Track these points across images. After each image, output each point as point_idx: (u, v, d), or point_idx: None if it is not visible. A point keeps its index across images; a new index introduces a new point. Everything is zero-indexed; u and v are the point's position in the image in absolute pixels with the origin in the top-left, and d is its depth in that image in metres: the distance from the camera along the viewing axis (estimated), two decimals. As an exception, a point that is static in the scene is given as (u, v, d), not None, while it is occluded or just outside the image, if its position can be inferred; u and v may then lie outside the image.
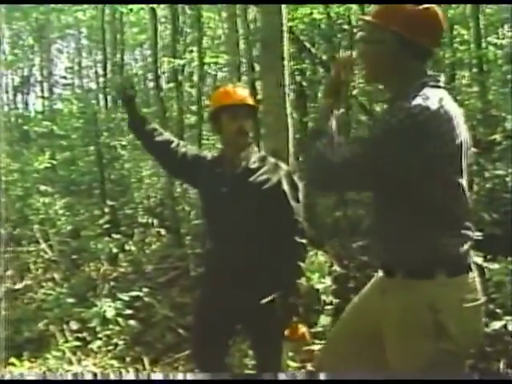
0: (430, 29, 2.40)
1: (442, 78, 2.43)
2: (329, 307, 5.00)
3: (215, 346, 3.38)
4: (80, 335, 6.43)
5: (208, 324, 3.40)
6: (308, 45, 10.58)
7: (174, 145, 3.57)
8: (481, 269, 5.05)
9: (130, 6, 5.79)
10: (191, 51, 13.98)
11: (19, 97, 27.71)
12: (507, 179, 7.05)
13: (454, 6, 11.95)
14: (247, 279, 3.27)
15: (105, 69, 17.47)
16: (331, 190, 3.22)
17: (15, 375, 5.31)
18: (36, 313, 7.50)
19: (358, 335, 2.57)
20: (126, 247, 9.54)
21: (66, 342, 6.22)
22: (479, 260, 4.88)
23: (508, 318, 4.59)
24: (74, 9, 19.84)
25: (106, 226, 10.27)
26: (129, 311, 6.57)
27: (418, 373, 2.25)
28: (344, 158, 2.24)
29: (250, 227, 3.30)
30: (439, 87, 2.36)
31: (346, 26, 11.02)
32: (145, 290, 7.15)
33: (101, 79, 21.02)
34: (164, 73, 15.21)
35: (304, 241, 3.33)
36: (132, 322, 6.50)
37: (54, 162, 11.39)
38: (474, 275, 2.36)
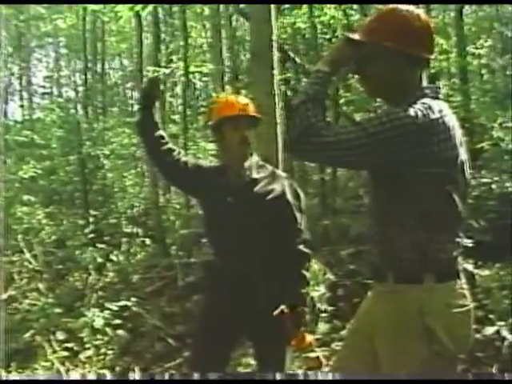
0: (421, 36, 2.41)
1: (441, 90, 2.45)
2: (324, 314, 5.03)
3: (217, 356, 3.36)
4: (67, 345, 6.39)
5: (212, 334, 3.37)
6: (292, 54, 10.62)
7: (175, 154, 3.54)
8: (471, 275, 5.13)
9: (120, 9, 5.78)
10: (171, 60, 14.00)
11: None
12: (493, 187, 7.14)
13: (433, 15, 12.09)
14: (253, 289, 3.27)
15: (85, 78, 17.42)
16: (313, 161, 3.14)
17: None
18: (21, 323, 7.43)
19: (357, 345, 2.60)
20: (111, 257, 9.49)
21: (54, 352, 6.17)
22: (470, 267, 4.96)
23: (500, 323, 4.65)
24: (55, 16, 19.76)
25: (91, 235, 10.20)
26: (117, 321, 6.55)
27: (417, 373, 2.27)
28: (337, 133, 2.22)
29: (256, 237, 3.29)
30: (438, 98, 2.39)
31: (330, 36, 11.07)
32: (133, 299, 7.13)
33: (80, 88, 20.98)
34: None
35: (308, 250, 3.33)
36: (121, 332, 6.49)
37: (39, 172, 11.32)
38: (462, 282, 2.38)
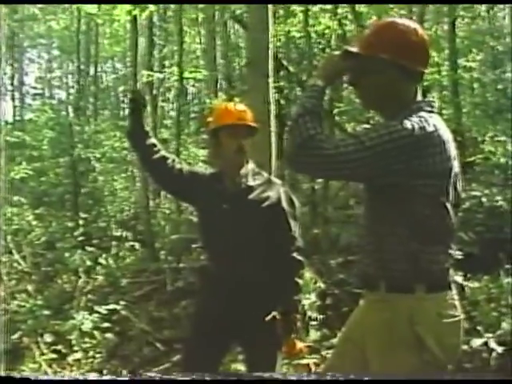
0: (417, 51, 2.45)
1: (435, 104, 2.49)
2: (314, 322, 5.06)
3: (208, 361, 3.36)
4: (55, 348, 6.38)
5: (203, 339, 3.39)
6: (285, 63, 10.67)
7: (169, 161, 3.53)
8: (460, 287, 5.18)
9: (118, 12, 5.78)
10: (164, 65, 14.04)
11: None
12: (483, 200, 7.21)
13: (426, 27, 12.16)
14: (246, 295, 3.29)
15: (78, 80, 17.42)
16: (311, 173, 3.13)
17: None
18: (9, 324, 7.40)
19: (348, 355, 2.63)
20: (100, 260, 9.47)
21: (42, 354, 6.17)
22: (459, 279, 5.00)
23: (488, 335, 4.70)
24: (49, 17, 19.78)
25: (80, 238, 10.18)
26: (106, 324, 6.56)
27: (417, 373, 2.30)
28: (336, 146, 2.23)
29: (250, 243, 3.31)
30: (433, 112, 2.42)
31: (324, 45, 11.14)
32: (121, 303, 7.13)
33: (72, 90, 20.96)
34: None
35: (301, 258, 3.35)
36: (109, 335, 6.49)
37: (31, 173, 11.30)
38: (453, 292, 2.42)
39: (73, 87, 20.96)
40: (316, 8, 11.28)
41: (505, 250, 6.06)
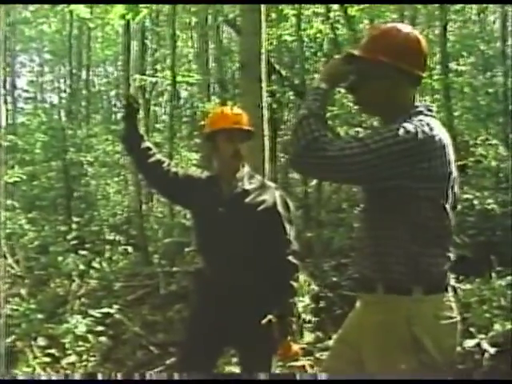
0: (416, 55, 2.49)
1: (433, 108, 2.52)
2: (308, 325, 5.09)
3: (203, 364, 3.38)
4: (49, 351, 6.38)
5: (199, 342, 3.41)
6: (277, 66, 10.70)
7: (165, 165, 3.55)
8: (453, 289, 5.21)
9: (112, 16, 5.76)
10: (156, 70, 14.04)
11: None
12: (475, 202, 7.26)
13: (418, 30, 12.20)
14: (242, 298, 3.31)
15: (70, 84, 17.40)
16: (315, 175, 3.13)
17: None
18: (2, 328, 7.39)
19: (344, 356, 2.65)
20: (94, 264, 9.47)
21: (36, 358, 6.16)
22: (452, 281, 5.03)
23: (481, 336, 4.75)
24: (40, 21, 19.75)
25: (73, 242, 10.16)
26: (99, 328, 6.56)
27: (417, 373, 2.33)
28: (341, 148, 2.25)
29: (246, 247, 3.33)
30: (432, 116, 2.45)
31: (316, 49, 11.16)
32: (115, 307, 7.13)
33: (64, 94, 20.93)
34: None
35: (296, 261, 3.37)
36: (103, 339, 6.49)
37: (23, 177, 11.28)
38: (450, 294, 2.44)
39: (65, 91, 20.92)
40: (308, 12, 11.33)
41: (496, 253, 6.10)
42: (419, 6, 12.79)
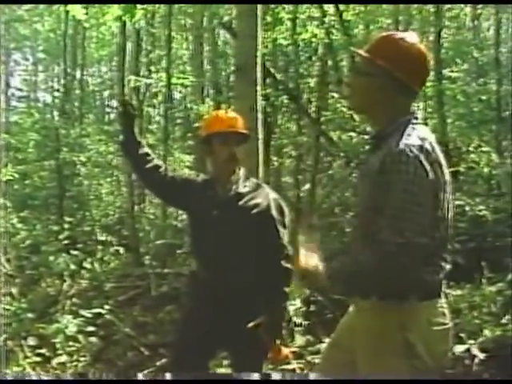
0: (416, 69, 2.50)
1: (419, 115, 2.54)
2: (299, 328, 5.10)
3: (195, 366, 3.39)
4: (40, 351, 6.37)
5: (190, 345, 3.41)
6: (272, 70, 10.71)
7: (163, 169, 3.60)
8: (444, 295, 5.24)
9: (108, 18, 5.75)
10: (150, 71, 14.02)
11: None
12: (466, 209, 7.29)
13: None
14: (234, 301, 3.32)
15: (65, 83, 17.35)
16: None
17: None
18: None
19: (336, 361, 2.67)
20: (85, 264, 9.46)
21: (26, 357, 6.15)
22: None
23: (470, 341, 4.78)
24: (35, 19, 19.69)
25: (65, 242, 10.14)
26: (90, 328, 6.55)
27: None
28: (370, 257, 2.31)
29: (239, 250, 3.35)
30: (420, 124, 2.47)
31: (311, 54, 11.18)
32: (106, 307, 7.12)
33: (57, 93, 20.84)
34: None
35: (289, 265, 3.34)
36: (93, 339, 6.49)
37: (15, 175, 11.26)
38: (443, 301, 2.46)
39: (58, 90, 20.83)
40: (303, 16, 11.36)
41: (487, 259, 6.14)
42: (414, 12, 12.82)
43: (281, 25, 10.95)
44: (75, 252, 9.68)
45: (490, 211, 7.42)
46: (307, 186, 11.15)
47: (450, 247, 2.52)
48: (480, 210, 7.40)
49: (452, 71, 12.43)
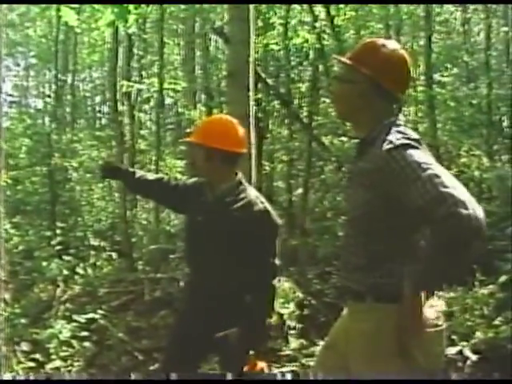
0: (397, 75, 2.54)
1: (402, 117, 2.57)
2: (293, 331, 5.13)
3: (186, 369, 3.41)
4: (33, 356, 6.37)
5: (181, 349, 3.44)
6: (263, 75, 10.74)
7: (164, 181, 3.71)
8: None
9: (101, 24, 5.75)
10: (142, 76, 14.04)
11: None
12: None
13: (403, 41, 12.32)
14: (217, 309, 3.32)
15: (56, 88, 17.34)
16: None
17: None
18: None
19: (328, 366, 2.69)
20: (78, 270, 9.46)
21: (19, 362, 6.15)
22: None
23: (463, 343, 4.83)
24: (26, 25, 19.69)
25: (57, 247, 10.14)
26: (84, 333, 6.56)
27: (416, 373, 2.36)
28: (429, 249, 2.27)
29: (220, 258, 3.32)
30: (403, 125, 2.49)
31: (302, 59, 11.23)
32: (100, 312, 7.13)
33: (49, 99, 20.82)
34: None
35: (276, 279, 3.31)
36: (87, 345, 6.49)
37: (8, 181, 11.25)
38: (437, 303, 2.46)
39: (49, 96, 20.81)
40: (295, 21, 11.42)
41: (479, 262, 6.18)
42: (404, 17, 12.90)
43: (272, 30, 11.00)
44: (68, 257, 9.67)
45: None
46: (299, 191, 11.19)
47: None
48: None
49: (442, 75, 12.52)
